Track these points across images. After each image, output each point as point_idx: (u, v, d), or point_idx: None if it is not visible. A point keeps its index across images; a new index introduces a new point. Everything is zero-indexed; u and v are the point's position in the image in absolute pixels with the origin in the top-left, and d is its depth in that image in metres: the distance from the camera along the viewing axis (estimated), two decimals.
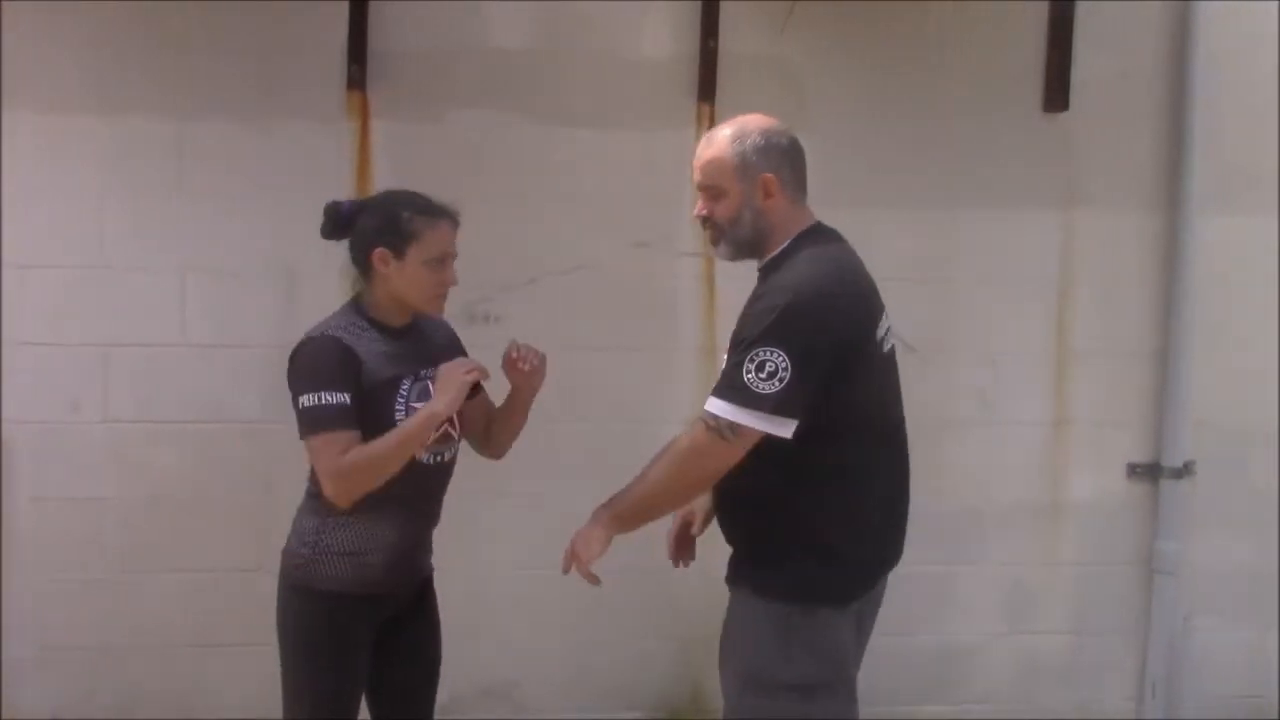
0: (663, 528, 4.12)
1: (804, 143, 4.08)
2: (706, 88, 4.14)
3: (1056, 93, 4.25)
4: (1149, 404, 4.42)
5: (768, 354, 2.54)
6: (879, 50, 4.22)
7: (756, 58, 4.18)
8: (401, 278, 2.82)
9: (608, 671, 4.14)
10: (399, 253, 2.80)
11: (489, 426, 3.05)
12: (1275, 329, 4.41)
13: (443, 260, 2.84)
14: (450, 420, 2.86)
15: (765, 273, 2.75)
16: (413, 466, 2.79)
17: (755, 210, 2.73)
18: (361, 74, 3.98)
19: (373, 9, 3.98)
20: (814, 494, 2.62)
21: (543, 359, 2.95)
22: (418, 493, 2.87)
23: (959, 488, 4.34)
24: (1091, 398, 4.41)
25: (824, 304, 2.57)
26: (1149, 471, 4.43)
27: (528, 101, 4.09)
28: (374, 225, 2.83)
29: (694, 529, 2.92)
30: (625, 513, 2.72)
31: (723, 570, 2.77)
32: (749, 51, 4.18)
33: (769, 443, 2.55)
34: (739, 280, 4.19)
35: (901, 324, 4.20)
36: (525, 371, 2.94)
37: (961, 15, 4.22)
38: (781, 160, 2.76)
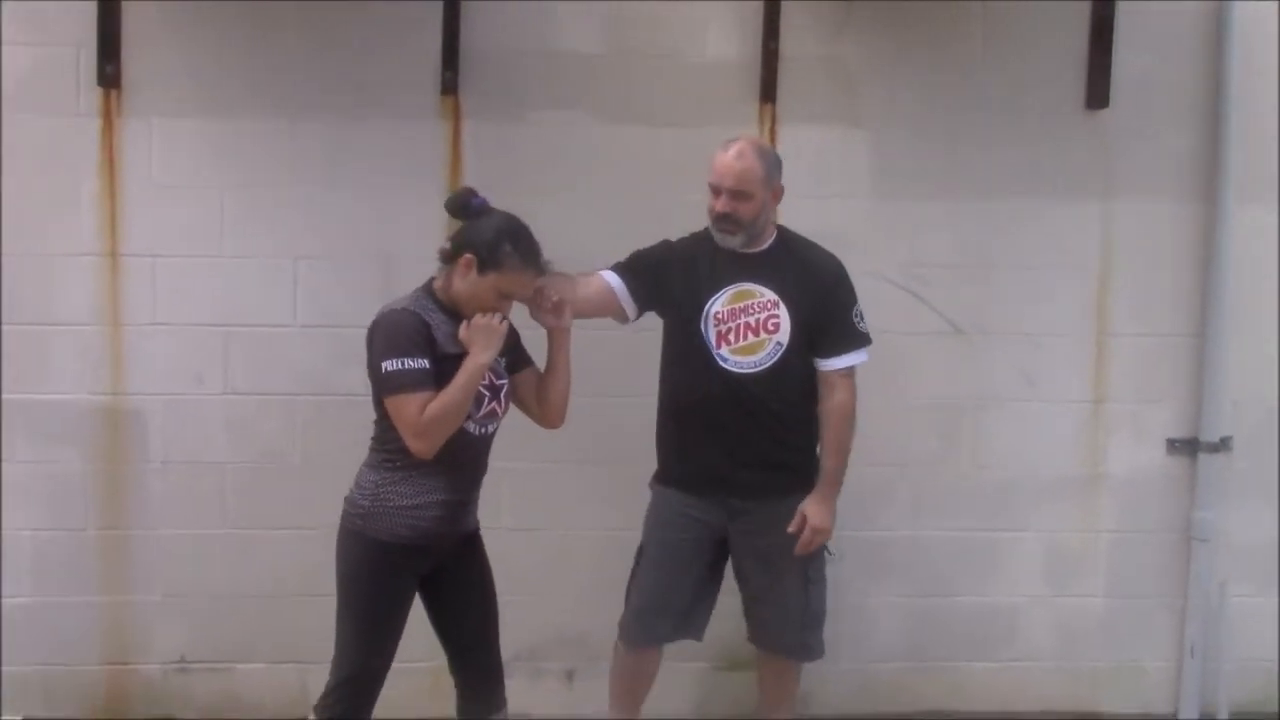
0: None
1: (858, 136, 4.50)
2: (768, 88, 4.42)
3: (1098, 90, 4.47)
4: (1187, 383, 4.62)
5: (858, 306, 3.74)
6: (930, 50, 4.47)
7: (814, 59, 4.45)
8: (469, 287, 3.18)
9: None
10: (482, 270, 3.16)
11: (539, 390, 3.39)
12: None
13: (509, 298, 3.22)
14: (496, 397, 3.25)
15: (769, 255, 3.69)
16: (464, 436, 3.18)
17: (767, 212, 3.57)
18: (454, 78, 4.31)
19: (464, 17, 4.30)
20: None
21: (564, 299, 3.35)
22: (466, 457, 3.26)
23: (1003, 461, 4.61)
24: (1131, 377, 4.62)
25: None
26: (1187, 446, 4.62)
27: (601, 102, 4.40)
28: (481, 234, 3.18)
29: None
30: (839, 480, 3.73)
31: None
32: (807, 53, 4.44)
33: (810, 370, 3.67)
34: None
35: (949, 307, 4.59)
36: (553, 309, 3.33)
37: (1007, 17, 4.46)
38: (780, 171, 3.58)
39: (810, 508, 3.66)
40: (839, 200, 4.49)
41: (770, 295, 3.62)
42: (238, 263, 4.35)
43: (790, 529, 3.64)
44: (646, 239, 4.32)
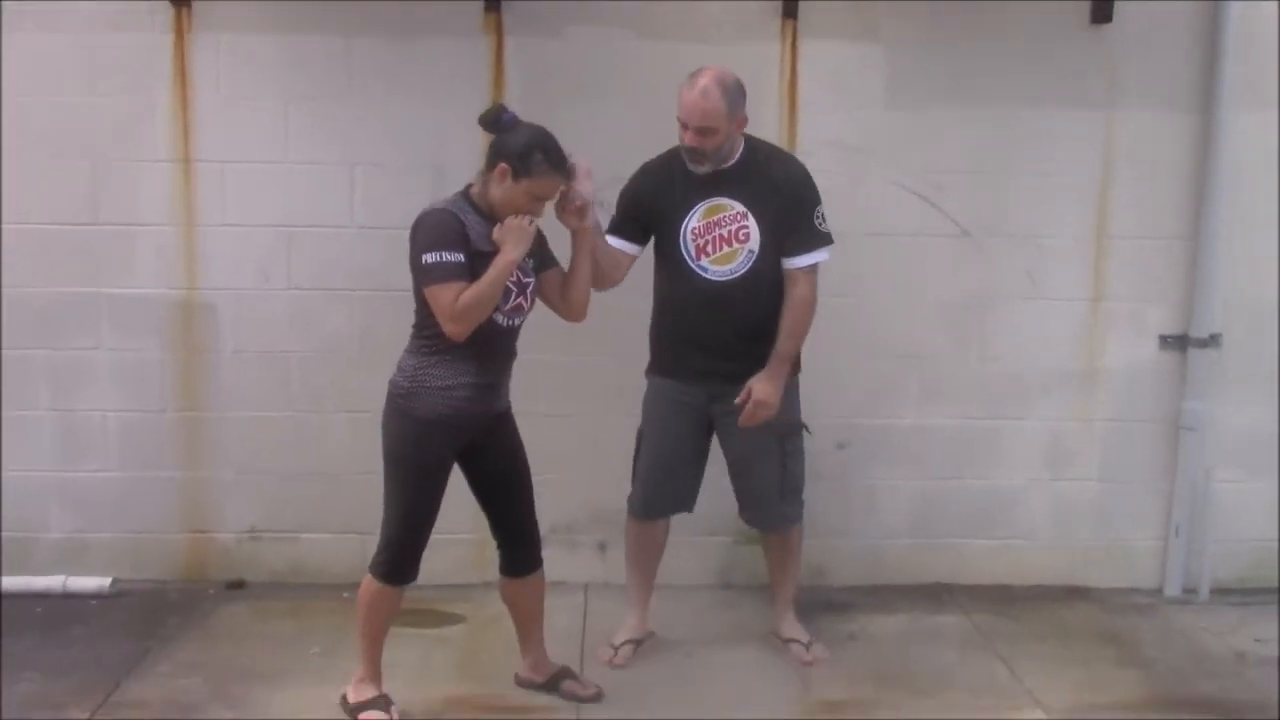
0: None
1: (875, 52, 4.78)
2: (790, 5, 4.69)
3: (1102, 6, 4.70)
4: (1180, 282, 4.90)
5: (820, 208, 4.04)
6: None
7: None
8: (505, 193, 3.53)
9: (697, 502, 4.43)
10: (516, 177, 3.51)
11: (563, 287, 3.74)
12: None
13: (540, 200, 3.57)
14: (523, 293, 3.61)
15: (736, 170, 3.98)
16: (493, 326, 3.56)
17: (731, 139, 3.84)
18: None
19: None
20: None
21: (587, 202, 3.68)
22: (495, 345, 3.64)
23: (1007, 354, 4.93)
24: (1128, 277, 4.90)
25: None
26: (1178, 342, 4.91)
27: (635, 18, 4.69)
28: (514, 145, 3.52)
29: None
30: (788, 360, 4.03)
31: None
32: None
33: (781, 274, 4.02)
34: (817, 174, 4.75)
35: (959, 211, 4.87)
36: (576, 211, 3.68)
37: None
38: (744, 100, 3.82)
39: (757, 384, 3.98)
40: (857, 111, 4.80)
41: (739, 207, 3.97)
42: (300, 169, 4.71)
43: (736, 400, 4.01)
44: (675, 141, 4.51)
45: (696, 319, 4.06)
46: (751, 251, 3.99)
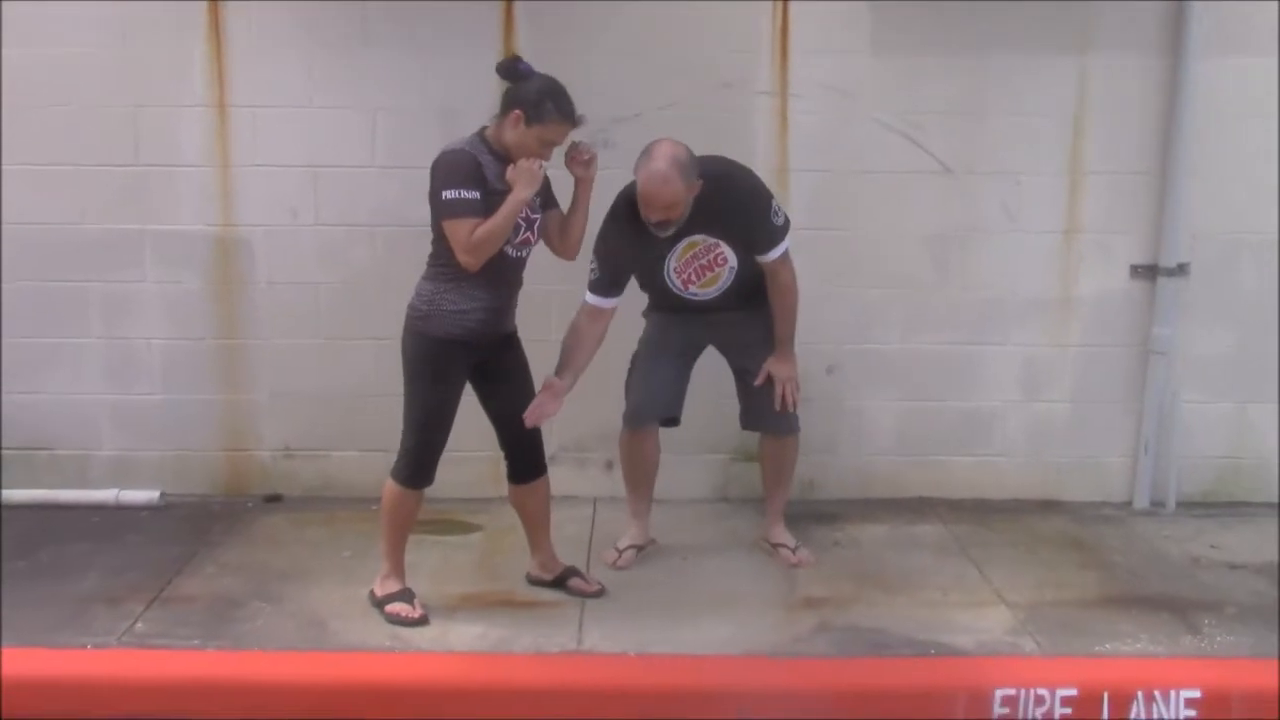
0: None
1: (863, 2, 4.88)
2: None
3: None
4: (1149, 215, 5.17)
5: (774, 203, 4.34)
6: None
7: None
8: (518, 137, 3.86)
9: (696, 423, 4.88)
10: (529, 123, 3.83)
11: (562, 227, 4.08)
12: (1262, 154, 5.10)
13: (550, 145, 3.89)
14: (530, 228, 3.96)
15: (695, 210, 4.15)
16: (503, 257, 3.91)
17: (689, 204, 4.05)
18: None
19: None
20: None
21: (594, 154, 3.99)
22: (505, 274, 3.99)
23: (985, 283, 5.24)
24: (1101, 210, 5.19)
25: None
26: (1148, 271, 5.20)
27: None
28: (528, 94, 3.84)
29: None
30: (792, 340, 4.50)
31: None
32: None
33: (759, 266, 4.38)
34: (807, 115, 5.09)
35: (940, 149, 5.16)
36: (584, 162, 4.01)
37: None
38: (696, 167, 4.12)
39: (775, 367, 4.49)
40: (845, 56, 5.10)
41: (710, 239, 4.32)
42: (325, 113, 5.05)
43: (757, 383, 4.51)
44: (675, 86, 4.98)
45: (693, 314, 4.52)
46: (733, 269, 4.39)
